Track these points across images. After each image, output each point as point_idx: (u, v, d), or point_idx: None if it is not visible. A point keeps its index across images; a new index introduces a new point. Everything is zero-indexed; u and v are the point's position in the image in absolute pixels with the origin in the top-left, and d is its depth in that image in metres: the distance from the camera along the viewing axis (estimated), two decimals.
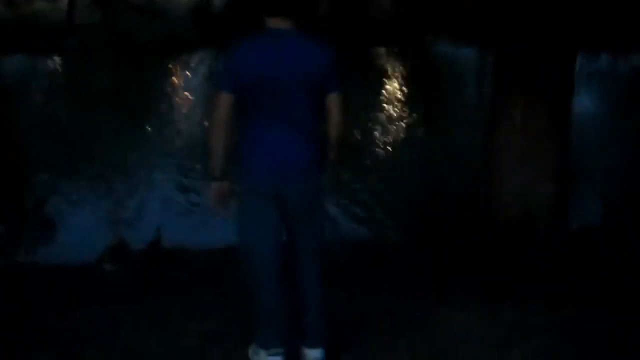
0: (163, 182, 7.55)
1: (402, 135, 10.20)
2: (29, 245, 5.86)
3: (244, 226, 3.05)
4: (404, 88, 14.37)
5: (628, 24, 14.33)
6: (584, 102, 9.92)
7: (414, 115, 11.53)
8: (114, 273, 4.61)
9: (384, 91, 14.06)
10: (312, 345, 3.09)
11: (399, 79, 15.80)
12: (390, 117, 11.15)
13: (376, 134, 10.04)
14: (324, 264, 3.14)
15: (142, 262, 4.95)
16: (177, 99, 13.75)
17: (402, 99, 13.09)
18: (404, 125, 10.83)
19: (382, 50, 20.23)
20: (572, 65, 5.11)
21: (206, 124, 2.70)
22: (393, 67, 17.71)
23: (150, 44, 19.38)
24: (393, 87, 14.76)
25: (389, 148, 9.41)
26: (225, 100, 2.93)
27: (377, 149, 9.19)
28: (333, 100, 3.05)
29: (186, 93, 13.89)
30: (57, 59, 19.93)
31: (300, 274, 3.09)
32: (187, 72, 17.00)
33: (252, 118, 2.96)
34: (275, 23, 2.95)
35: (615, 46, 15.74)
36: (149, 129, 10.34)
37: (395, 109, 11.96)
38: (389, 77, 16.10)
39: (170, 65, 17.88)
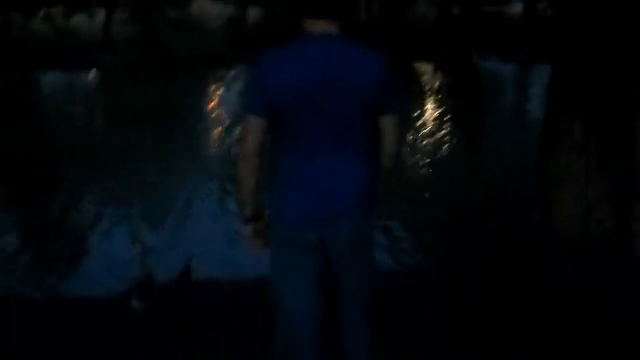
0: (197, 207, 7.16)
1: (450, 155, 9.70)
2: (49, 275, 5.52)
3: (278, 285, 2.46)
4: (451, 105, 13.83)
5: None
6: None
7: (462, 135, 11.03)
8: (141, 311, 4.21)
9: (430, 108, 13.60)
10: None
11: (446, 96, 15.26)
12: (437, 136, 10.66)
13: (423, 154, 9.59)
14: (373, 321, 2.56)
15: (171, 299, 4.56)
16: (213, 116, 13.46)
17: (450, 116, 12.56)
18: (452, 144, 10.32)
19: (426, 65, 19.74)
20: (637, 82, 4.71)
21: (234, 154, 2.26)
22: (439, 84, 17.18)
23: (187, 59, 19.31)
24: (440, 104, 14.27)
25: (437, 169, 8.93)
26: (255, 126, 2.34)
27: (424, 170, 8.74)
28: (389, 124, 2.46)
29: (222, 110, 13.58)
30: (94, 74, 19.97)
31: (344, 333, 2.53)
32: (223, 88, 16.75)
33: (289, 147, 2.39)
34: (317, 26, 2.35)
35: None
36: (183, 148, 10.02)
37: (443, 128, 11.46)
38: (435, 94, 15.61)
39: (206, 81, 17.68)
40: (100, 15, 23.68)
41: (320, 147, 2.35)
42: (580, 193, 4.59)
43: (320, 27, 2.35)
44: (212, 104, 14.57)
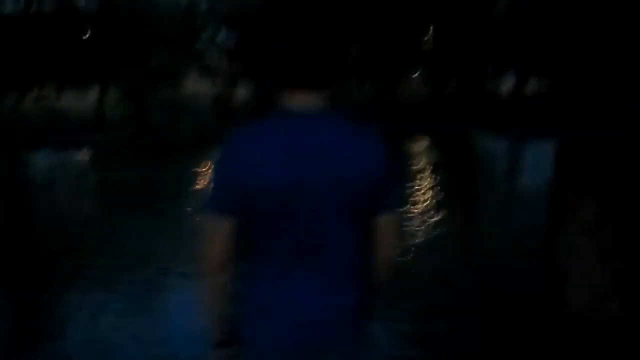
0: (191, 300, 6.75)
1: (450, 235, 9.32)
2: None
3: None
4: (448, 182, 13.57)
5: None
6: None
7: (463, 214, 10.71)
8: None
9: (428, 185, 13.36)
10: None
11: (443, 172, 15.00)
12: (437, 216, 10.34)
13: (421, 235, 9.25)
14: None
15: None
16: (201, 196, 13.21)
17: (448, 195, 12.27)
18: (451, 224, 9.98)
19: (418, 139, 19.61)
20: None
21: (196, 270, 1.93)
22: (435, 159, 16.97)
23: (177, 138, 19.30)
24: (437, 181, 14.01)
25: (438, 248, 8.54)
26: (220, 229, 1.84)
27: (423, 253, 8.38)
28: (386, 225, 1.95)
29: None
30: (85, 153, 19.88)
31: None
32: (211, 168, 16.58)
33: (261, 259, 1.89)
34: (298, 99, 1.87)
35: None
36: (176, 230, 9.68)
37: (443, 206, 11.14)
38: (433, 170, 15.39)
39: (195, 160, 17.56)
40: (92, 94, 23.80)
41: (300, 262, 1.86)
42: (591, 277, 4.38)
43: (301, 99, 1.87)
44: (200, 184, 14.36)
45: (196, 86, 25.86)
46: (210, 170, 1.94)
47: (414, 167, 15.62)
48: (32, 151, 19.69)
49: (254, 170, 1.82)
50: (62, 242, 9.22)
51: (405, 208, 1.87)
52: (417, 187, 12.79)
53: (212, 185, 1.91)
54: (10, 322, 6.36)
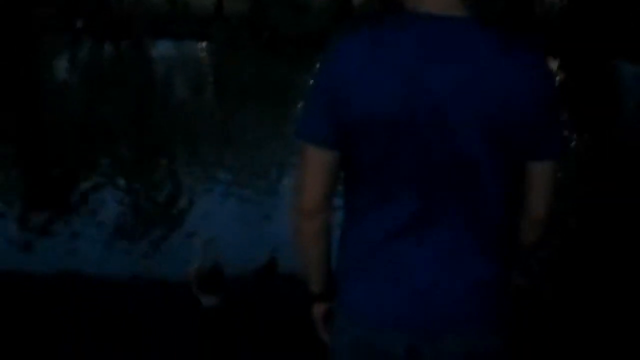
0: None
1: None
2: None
3: None
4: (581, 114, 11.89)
5: None
6: None
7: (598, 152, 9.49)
8: (213, 309, 3.66)
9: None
10: None
11: (577, 100, 13.26)
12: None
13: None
14: None
15: (252, 294, 4.02)
16: None
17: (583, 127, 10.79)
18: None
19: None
20: None
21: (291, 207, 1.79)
22: (570, 85, 15.31)
23: (293, 37, 19.03)
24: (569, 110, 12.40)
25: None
26: (320, 163, 1.42)
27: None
28: (542, 176, 1.43)
29: None
30: (203, 45, 20.05)
31: None
32: None
33: (368, 205, 1.43)
34: (431, 3, 1.35)
35: None
36: (287, 128, 9.56)
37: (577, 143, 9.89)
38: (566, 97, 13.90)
39: (311, 60, 17.31)
40: None
41: (424, 209, 1.39)
42: None
43: (434, 4, 1.34)
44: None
45: None
46: (311, 84, 1.43)
47: None
48: (153, 39, 20.03)
49: (366, 90, 1.33)
50: (177, 129, 9.35)
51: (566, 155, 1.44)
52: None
53: (309, 105, 1.44)
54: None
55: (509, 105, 1.32)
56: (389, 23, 1.35)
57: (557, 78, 15.52)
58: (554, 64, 17.51)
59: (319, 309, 1.63)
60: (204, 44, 20.29)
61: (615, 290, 4.02)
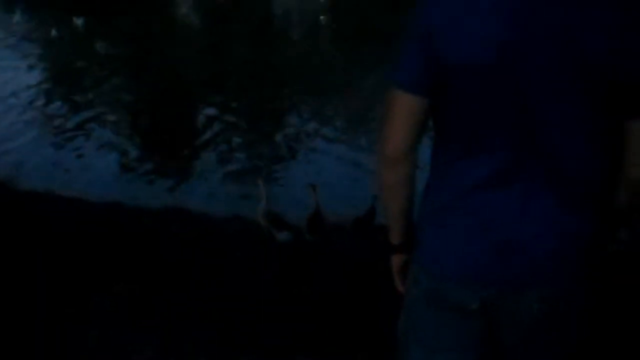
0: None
1: None
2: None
3: (410, 353, 1.61)
4: None
5: None
6: None
7: None
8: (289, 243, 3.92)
9: None
10: None
11: None
12: None
13: None
14: None
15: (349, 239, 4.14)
16: None
17: None
18: None
19: None
20: None
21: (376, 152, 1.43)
22: None
23: None
24: None
25: None
26: (409, 109, 1.40)
27: None
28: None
29: None
30: None
31: None
32: None
33: (456, 152, 1.42)
34: None
35: None
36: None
37: None
38: None
39: None
40: None
41: (513, 161, 1.36)
42: None
43: None
44: None
45: None
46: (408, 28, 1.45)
47: None
48: None
49: (464, 34, 1.30)
50: (289, 73, 9.49)
51: None
52: None
53: (404, 50, 1.42)
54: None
55: (617, 61, 1.25)
56: None
57: None
58: None
59: (397, 260, 1.66)
60: None
61: None
